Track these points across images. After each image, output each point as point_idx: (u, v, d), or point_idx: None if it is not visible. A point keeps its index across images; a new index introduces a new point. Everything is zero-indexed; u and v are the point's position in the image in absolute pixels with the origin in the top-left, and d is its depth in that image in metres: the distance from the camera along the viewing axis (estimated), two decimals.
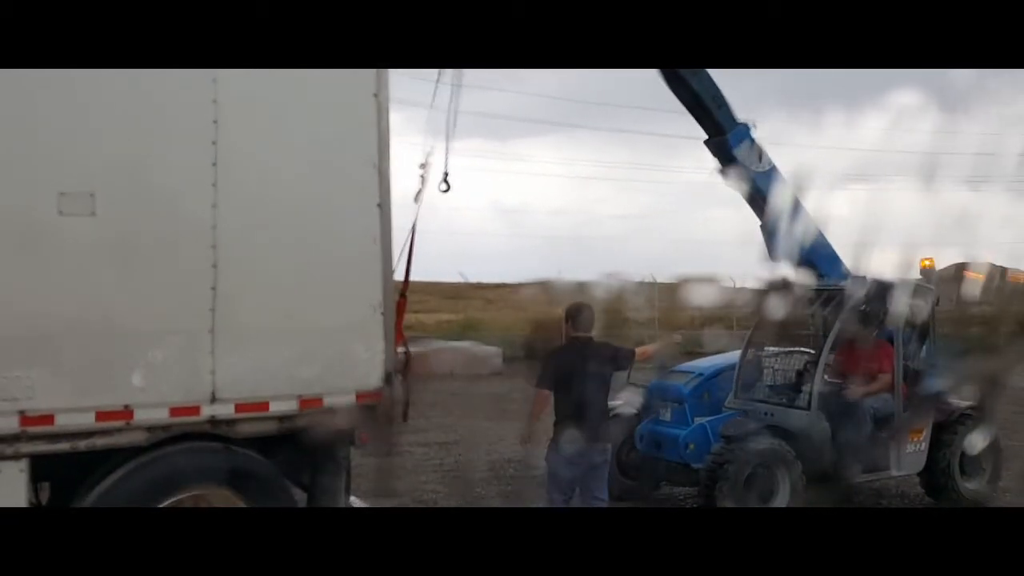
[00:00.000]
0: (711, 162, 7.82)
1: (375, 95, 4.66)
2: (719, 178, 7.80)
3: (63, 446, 3.92)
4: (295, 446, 4.49)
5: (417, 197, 5.48)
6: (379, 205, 4.66)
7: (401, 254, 5.05)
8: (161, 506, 4.08)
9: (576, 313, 5.76)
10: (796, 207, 7.66)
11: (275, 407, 4.37)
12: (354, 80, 4.59)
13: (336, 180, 4.60)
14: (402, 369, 4.98)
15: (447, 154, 5.76)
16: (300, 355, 4.44)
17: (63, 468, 4.07)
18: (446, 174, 5.80)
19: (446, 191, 5.81)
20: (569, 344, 5.77)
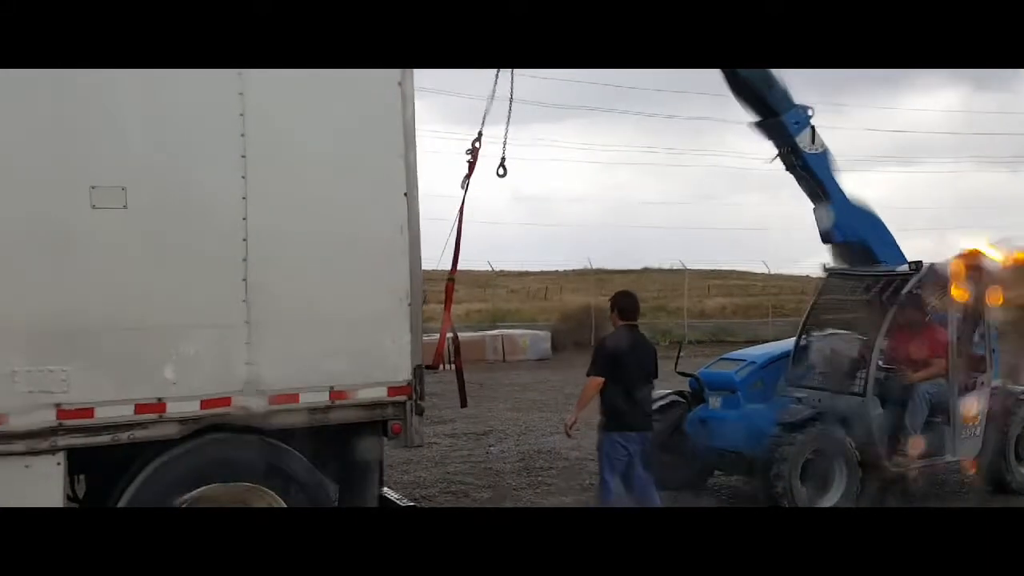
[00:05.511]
0: (755, 146, 7.67)
1: (399, 84, 4.64)
2: (770, 163, 7.62)
3: (103, 439, 3.96)
4: (327, 438, 4.51)
5: (464, 183, 5.53)
6: (405, 194, 4.65)
7: (448, 240, 5.09)
8: (189, 500, 4.11)
9: (625, 302, 5.98)
10: (850, 190, 7.54)
11: (305, 399, 4.38)
12: (379, 70, 4.57)
13: (362, 170, 4.59)
14: (452, 355, 5.00)
15: (505, 140, 5.91)
16: (329, 347, 4.44)
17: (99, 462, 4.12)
18: (503, 159, 5.96)
19: (503, 176, 5.99)
20: (621, 332, 5.90)
